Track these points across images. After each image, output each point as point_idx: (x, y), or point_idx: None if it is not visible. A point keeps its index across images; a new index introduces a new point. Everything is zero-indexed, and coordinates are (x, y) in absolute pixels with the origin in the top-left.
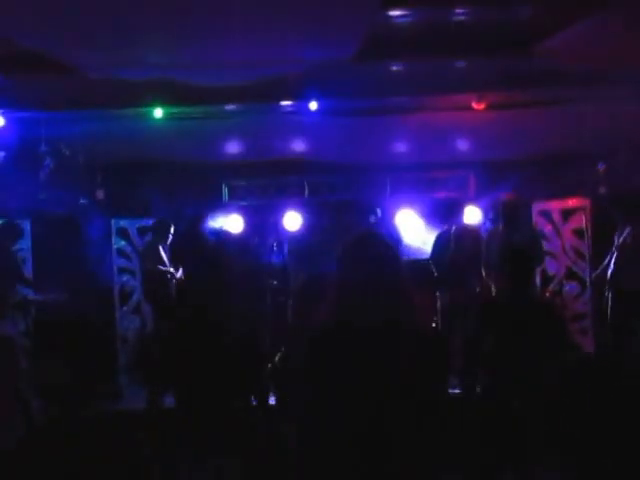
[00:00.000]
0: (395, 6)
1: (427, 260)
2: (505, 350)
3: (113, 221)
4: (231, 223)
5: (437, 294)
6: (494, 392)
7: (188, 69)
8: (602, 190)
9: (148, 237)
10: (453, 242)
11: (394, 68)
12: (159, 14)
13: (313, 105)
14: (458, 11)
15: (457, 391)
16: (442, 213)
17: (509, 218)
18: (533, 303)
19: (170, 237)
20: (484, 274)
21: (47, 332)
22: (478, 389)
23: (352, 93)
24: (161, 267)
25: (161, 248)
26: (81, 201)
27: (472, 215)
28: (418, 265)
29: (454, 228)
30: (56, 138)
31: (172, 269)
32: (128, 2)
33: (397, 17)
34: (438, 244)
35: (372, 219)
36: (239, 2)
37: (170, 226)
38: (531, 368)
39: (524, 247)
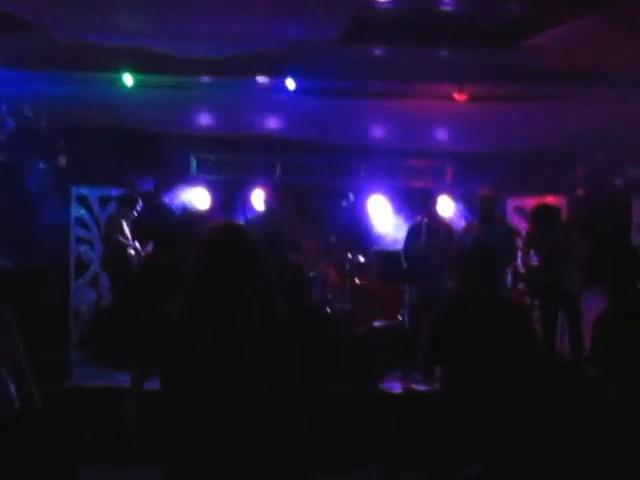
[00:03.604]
0: None
1: (398, 252)
2: (469, 349)
3: (73, 188)
4: (197, 197)
5: (405, 287)
6: (455, 392)
7: (164, 39)
8: (579, 190)
9: (112, 208)
10: (425, 234)
11: (377, 52)
12: None
13: (291, 83)
14: (445, 0)
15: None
16: (416, 202)
17: (485, 213)
18: (497, 303)
19: (135, 213)
20: None
21: None
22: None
23: (332, 74)
24: (125, 240)
25: (124, 222)
26: (40, 165)
27: (446, 206)
28: (388, 256)
29: (426, 219)
30: (18, 98)
31: (136, 244)
32: None
33: (383, 2)
34: (410, 235)
35: (344, 203)
36: None
37: (137, 201)
38: (494, 367)
39: (489, 247)
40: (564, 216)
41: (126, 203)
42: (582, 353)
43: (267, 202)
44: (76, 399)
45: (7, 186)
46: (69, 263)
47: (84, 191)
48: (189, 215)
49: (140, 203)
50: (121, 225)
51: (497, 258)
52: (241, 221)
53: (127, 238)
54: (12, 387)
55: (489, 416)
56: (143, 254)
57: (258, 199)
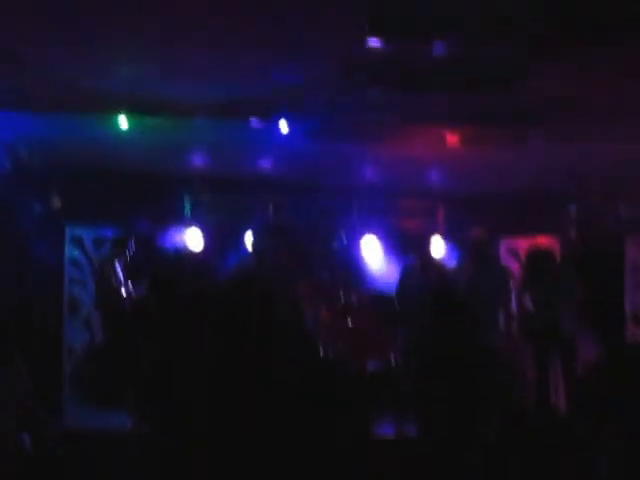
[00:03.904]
0: (376, 35)
1: (391, 293)
2: (429, 395)
3: (68, 229)
4: (191, 239)
5: (397, 330)
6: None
7: (159, 82)
8: (572, 231)
9: (106, 249)
10: (418, 275)
11: (369, 95)
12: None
13: (284, 125)
14: (437, 44)
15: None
16: (409, 243)
17: (478, 255)
18: (461, 347)
19: (129, 254)
20: None
21: None
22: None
23: (324, 116)
24: (117, 282)
25: (117, 264)
26: (35, 206)
27: (439, 248)
28: (380, 297)
29: (419, 261)
30: (13, 138)
31: (129, 285)
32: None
33: (375, 46)
34: (403, 277)
35: (336, 244)
36: (217, 21)
37: (130, 242)
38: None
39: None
40: (558, 258)
41: (119, 244)
42: (578, 399)
43: (258, 243)
44: (69, 439)
45: (3, 227)
46: (62, 303)
47: (78, 232)
48: (182, 256)
49: (133, 244)
50: (113, 266)
51: (490, 300)
52: (233, 262)
53: (119, 280)
54: (26, 435)
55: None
56: (135, 296)
57: (250, 240)
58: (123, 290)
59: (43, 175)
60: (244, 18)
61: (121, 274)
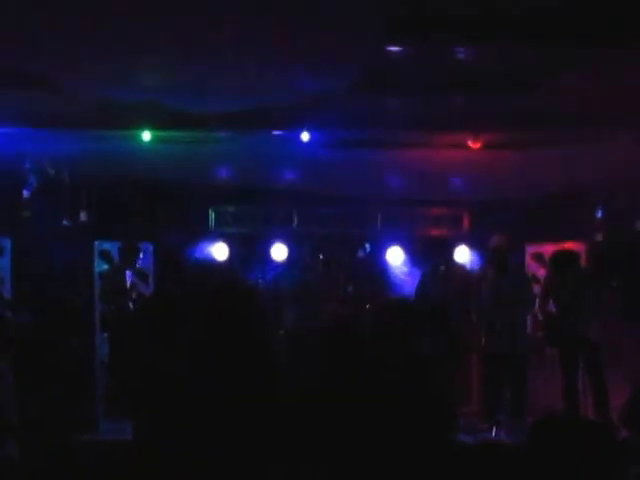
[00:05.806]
0: (395, 42)
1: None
2: None
3: (96, 243)
4: (216, 250)
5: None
6: None
7: (180, 94)
8: (599, 236)
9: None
10: (442, 281)
11: (390, 102)
12: (154, 39)
13: (305, 135)
14: (458, 49)
15: None
16: (433, 251)
17: (499, 261)
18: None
19: (138, 260)
20: (474, 318)
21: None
22: None
23: (346, 125)
24: (123, 295)
25: (126, 273)
26: (64, 222)
27: (463, 255)
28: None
29: (443, 267)
30: (41, 156)
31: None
32: (122, 26)
33: (396, 52)
34: (422, 282)
35: (361, 253)
36: (236, 32)
37: (138, 249)
38: None
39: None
40: (583, 262)
41: (126, 253)
42: (607, 408)
43: (289, 253)
44: (102, 452)
45: (34, 243)
46: (94, 317)
47: (106, 245)
48: (205, 268)
49: (140, 251)
50: (121, 277)
51: (513, 306)
52: (262, 273)
53: (124, 291)
54: None
55: None
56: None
57: (279, 251)
58: (129, 302)
59: (70, 190)
60: (265, 32)
61: (126, 286)
